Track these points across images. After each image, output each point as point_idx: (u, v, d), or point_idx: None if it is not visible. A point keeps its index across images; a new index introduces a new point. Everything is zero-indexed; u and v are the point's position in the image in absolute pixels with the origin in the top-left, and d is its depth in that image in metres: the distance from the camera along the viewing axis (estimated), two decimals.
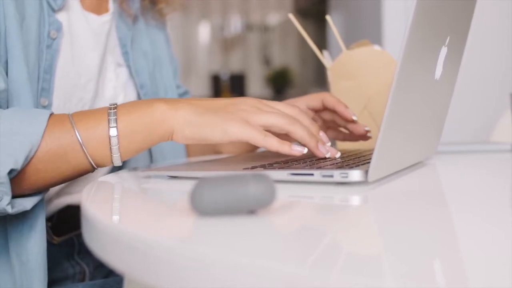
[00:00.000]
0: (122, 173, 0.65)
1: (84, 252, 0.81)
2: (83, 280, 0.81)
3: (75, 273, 0.80)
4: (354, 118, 0.72)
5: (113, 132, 0.56)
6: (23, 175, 0.55)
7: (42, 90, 0.68)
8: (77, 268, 0.81)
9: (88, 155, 0.57)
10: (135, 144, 0.58)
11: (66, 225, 0.79)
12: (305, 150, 0.57)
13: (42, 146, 0.55)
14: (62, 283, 0.79)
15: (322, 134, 0.61)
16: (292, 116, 0.59)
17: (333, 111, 0.74)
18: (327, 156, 0.59)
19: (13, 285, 0.63)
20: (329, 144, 0.61)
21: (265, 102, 0.60)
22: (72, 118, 0.57)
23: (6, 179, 0.52)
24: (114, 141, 0.56)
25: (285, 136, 0.59)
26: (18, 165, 0.53)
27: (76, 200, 0.79)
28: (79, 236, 0.79)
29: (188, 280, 0.28)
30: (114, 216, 0.42)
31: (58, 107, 0.71)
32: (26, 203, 0.58)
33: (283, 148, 0.56)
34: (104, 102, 0.79)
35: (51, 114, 0.58)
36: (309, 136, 0.58)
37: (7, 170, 0.52)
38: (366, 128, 0.73)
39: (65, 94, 0.72)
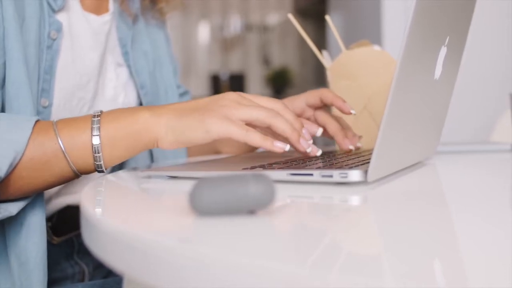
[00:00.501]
0: (122, 173, 0.65)
1: (84, 252, 0.81)
2: (82, 280, 0.81)
3: (74, 273, 0.80)
4: (353, 112, 0.71)
5: (96, 140, 0.56)
6: (7, 181, 0.56)
7: (43, 91, 0.68)
8: (77, 268, 0.81)
9: (71, 163, 0.57)
10: (118, 152, 0.58)
11: (65, 225, 0.79)
12: (287, 147, 0.56)
13: (26, 153, 0.55)
14: (61, 283, 0.78)
15: (305, 131, 0.60)
16: (275, 110, 0.58)
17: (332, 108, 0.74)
18: (308, 151, 0.58)
19: (12, 285, 0.62)
20: (311, 142, 0.60)
21: (247, 96, 0.60)
22: (56, 126, 0.57)
23: None
24: (97, 149, 0.56)
25: (269, 130, 0.59)
26: (2, 173, 0.53)
27: (75, 200, 0.79)
28: (79, 236, 0.79)
29: (188, 280, 0.28)
30: (113, 216, 0.42)
31: (58, 107, 0.71)
32: (12, 208, 0.58)
33: (265, 144, 0.55)
34: (104, 102, 0.79)
35: (37, 121, 0.58)
36: (291, 130, 0.57)
37: None
38: (350, 147, 0.70)
39: (65, 95, 0.72)
